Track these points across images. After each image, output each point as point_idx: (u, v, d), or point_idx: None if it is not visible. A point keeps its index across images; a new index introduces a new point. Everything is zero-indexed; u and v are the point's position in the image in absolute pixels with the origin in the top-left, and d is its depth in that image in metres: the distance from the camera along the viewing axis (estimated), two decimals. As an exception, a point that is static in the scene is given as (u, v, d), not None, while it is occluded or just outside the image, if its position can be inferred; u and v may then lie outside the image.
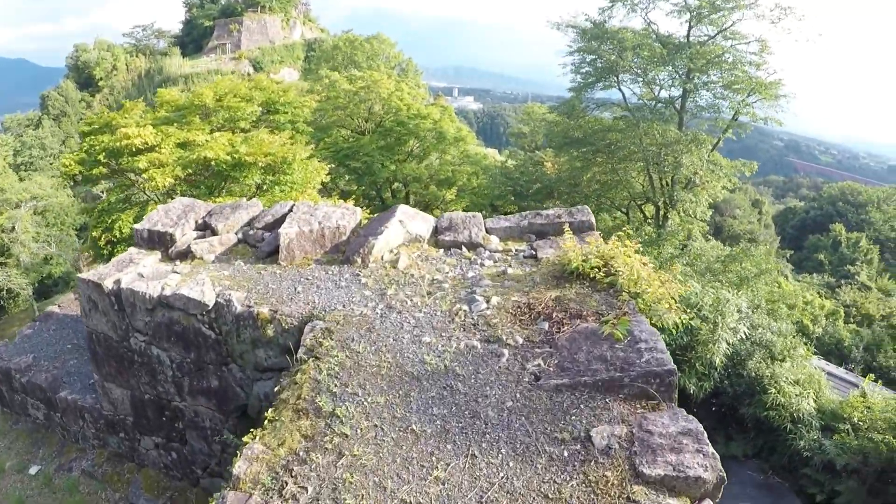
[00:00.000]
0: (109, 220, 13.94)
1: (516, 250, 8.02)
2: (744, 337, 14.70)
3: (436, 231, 8.63)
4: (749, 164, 31.75)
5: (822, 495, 12.33)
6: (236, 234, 9.30)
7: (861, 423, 12.76)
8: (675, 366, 5.15)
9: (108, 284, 8.84)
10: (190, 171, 13.11)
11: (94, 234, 14.25)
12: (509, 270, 7.17)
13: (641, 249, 7.71)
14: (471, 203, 29.46)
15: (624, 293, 6.34)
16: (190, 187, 13.56)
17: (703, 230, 35.88)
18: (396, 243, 8.16)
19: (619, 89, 32.78)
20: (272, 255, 8.49)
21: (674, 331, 6.57)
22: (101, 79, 75.43)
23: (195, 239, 9.35)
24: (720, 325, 13.93)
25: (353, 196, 31.63)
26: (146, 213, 11.62)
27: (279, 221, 8.99)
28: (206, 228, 9.61)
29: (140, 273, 8.87)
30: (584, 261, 6.68)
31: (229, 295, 7.37)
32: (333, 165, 26.80)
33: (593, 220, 8.58)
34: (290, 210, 9.07)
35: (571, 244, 6.89)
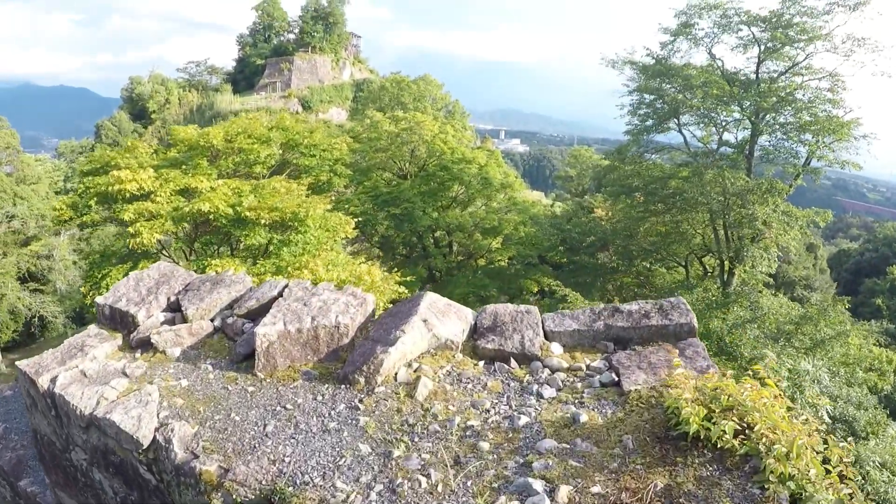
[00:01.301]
0: (99, 276, 11.97)
1: (588, 369, 5.53)
2: (825, 414, 12.53)
3: (474, 331, 6.21)
4: (823, 213, 29.17)
5: None
6: (212, 320, 7.10)
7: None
8: None
9: (43, 383, 6.71)
10: (185, 225, 11.07)
11: (83, 289, 12.36)
12: (583, 416, 4.66)
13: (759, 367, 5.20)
14: (517, 253, 27.00)
15: (771, 478, 3.79)
16: (186, 244, 11.50)
17: (766, 282, 33.02)
18: (417, 352, 5.77)
19: (680, 132, 30.50)
20: (250, 357, 6.23)
21: None
22: (154, 111, 77.16)
23: (162, 324, 7.21)
24: (798, 401, 12.00)
25: (393, 243, 29.68)
26: (139, 268, 9.74)
27: (265, 308, 6.75)
28: (178, 309, 7.47)
29: (83, 371, 6.73)
30: (706, 418, 4.15)
31: (171, 432, 5.09)
32: (372, 210, 25.04)
33: (694, 320, 6.04)
34: (281, 294, 6.83)
35: (689, 391, 4.31)
